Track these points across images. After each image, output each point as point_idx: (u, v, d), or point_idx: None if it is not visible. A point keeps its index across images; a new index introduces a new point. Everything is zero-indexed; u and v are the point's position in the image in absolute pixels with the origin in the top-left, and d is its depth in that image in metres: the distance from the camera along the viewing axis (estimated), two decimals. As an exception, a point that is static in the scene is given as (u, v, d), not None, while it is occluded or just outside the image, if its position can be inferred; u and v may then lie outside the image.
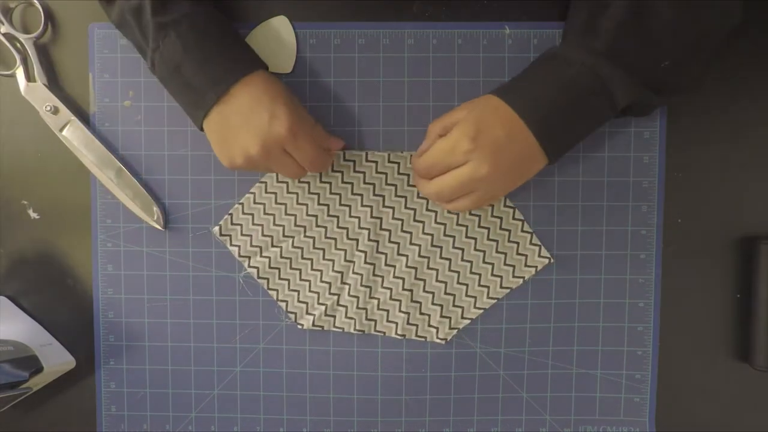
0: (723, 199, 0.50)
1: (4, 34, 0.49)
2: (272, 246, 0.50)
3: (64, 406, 0.52)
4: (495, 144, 0.41)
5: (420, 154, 0.45)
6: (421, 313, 0.50)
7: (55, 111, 0.49)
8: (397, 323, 0.50)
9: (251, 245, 0.50)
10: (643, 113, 0.47)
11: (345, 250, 0.50)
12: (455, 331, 0.50)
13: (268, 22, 0.49)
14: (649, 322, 0.50)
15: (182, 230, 0.51)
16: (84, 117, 0.50)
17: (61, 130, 0.50)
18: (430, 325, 0.50)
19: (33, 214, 0.51)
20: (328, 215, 0.50)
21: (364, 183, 0.50)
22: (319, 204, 0.50)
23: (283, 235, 0.50)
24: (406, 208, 0.50)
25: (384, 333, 0.50)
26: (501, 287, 0.50)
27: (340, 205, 0.50)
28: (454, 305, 0.50)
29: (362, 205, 0.50)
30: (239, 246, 0.50)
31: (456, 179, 0.43)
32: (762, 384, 0.50)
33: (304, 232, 0.50)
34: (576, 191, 0.50)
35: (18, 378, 0.45)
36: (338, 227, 0.50)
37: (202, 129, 0.45)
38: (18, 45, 0.49)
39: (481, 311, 0.50)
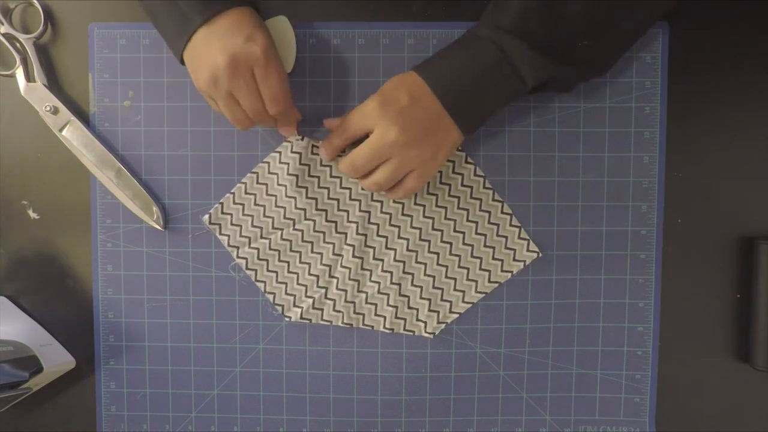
0: (723, 199, 0.50)
1: (4, 34, 0.49)
2: (261, 237, 0.50)
3: (64, 406, 0.52)
4: (400, 107, 0.43)
5: (333, 121, 0.48)
6: (409, 307, 0.50)
7: (55, 111, 0.49)
8: (385, 317, 0.50)
9: (240, 235, 0.50)
10: (563, 89, 0.47)
11: (333, 244, 0.50)
12: (443, 326, 0.50)
13: (268, 22, 0.49)
14: (649, 322, 0.50)
15: (182, 230, 0.51)
16: (84, 117, 0.50)
17: (61, 130, 0.50)
18: (418, 320, 0.50)
19: (33, 214, 0.51)
20: (317, 208, 0.50)
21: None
22: (308, 197, 0.50)
23: (273, 227, 0.50)
24: (394, 202, 0.50)
25: (372, 327, 0.50)
26: (489, 281, 0.50)
27: (329, 198, 0.50)
28: (442, 299, 0.50)
29: (351, 199, 0.50)
30: (228, 236, 0.50)
31: (367, 145, 0.44)
32: (762, 384, 0.50)
33: (293, 224, 0.50)
34: (576, 191, 0.50)
35: (18, 378, 0.45)
36: (327, 220, 0.50)
37: (182, 61, 0.44)
38: (18, 45, 0.49)
39: (469, 305, 0.50)
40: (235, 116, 0.44)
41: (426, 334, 0.50)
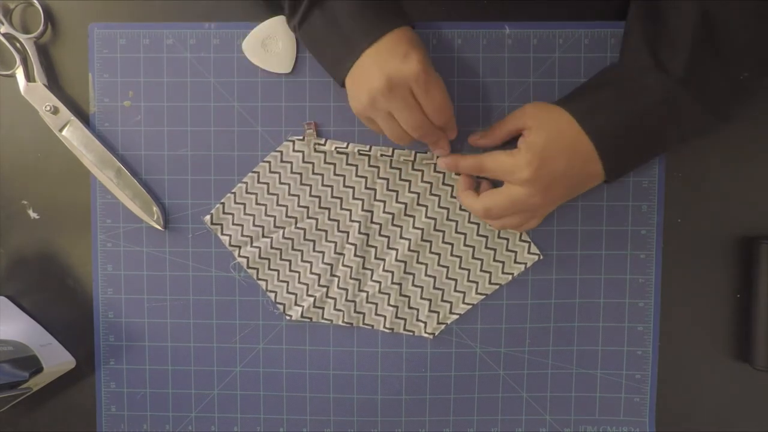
0: (723, 200, 0.50)
1: (4, 34, 0.49)
2: (263, 236, 0.50)
3: (64, 406, 0.52)
4: (555, 176, 0.42)
5: (479, 139, 0.47)
6: (409, 307, 0.50)
7: (55, 111, 0.49)
8: (385, 317, 0.50)
9: (242, 235, 0.50)
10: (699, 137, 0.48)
11: (335, 243, 0.50)
12: (443, 326, 0.50)
13: (268, 22, 0.49)
14: (649, 322, 0.50)
15: (182, 230, 0.51)
16: (84, 117, 0.50)
17: (61, 130, 0.50)
18: (418, 320, 0.50)
19: (33, 214, 0.51)
20: (320, 207, 0.50)
21: (357, 176, 0.50)
22: (310, 195, 0.50)
23: (274, 226, 0.50)
24: (397, 202, 0.50)
25: (372, 326, 0.50)
26: (490, 283, 0.50)
27: (332, 197, 0.50)
28: (442, 300, 0.50)
29: (353, 198, 0.50)
30: (230, 235, 0.50)
31: (509, 200, 0.44)
32: (762, 384, 0.50)
33: (295, 223, 0.50)
34: (576, 191, 0.50)
35: (18, 378, 0.45)
36: (329, 219, 0.50)
37: (343, 84, 0.45)
38: (18, 45, 0.49)
39: (470, 307, 0.50)
40: (395, 133, 0.44)
41: (426, 335, 0.50)
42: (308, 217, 0.50)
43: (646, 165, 0.49)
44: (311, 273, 0.50)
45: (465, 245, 0.50)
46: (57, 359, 0.50)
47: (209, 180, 0.50)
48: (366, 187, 0.50)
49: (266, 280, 0.51)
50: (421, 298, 0.50)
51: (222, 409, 0.52)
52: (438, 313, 0.50)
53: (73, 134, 0.50)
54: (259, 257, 0.50)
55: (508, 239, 0.50)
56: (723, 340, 0.50)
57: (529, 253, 0.50)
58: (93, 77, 0.50)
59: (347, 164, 0.50)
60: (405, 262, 0.50)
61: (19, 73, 0.49)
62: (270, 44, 0.49)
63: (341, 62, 0.43)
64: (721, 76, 0.41)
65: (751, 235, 0.49)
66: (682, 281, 0.50)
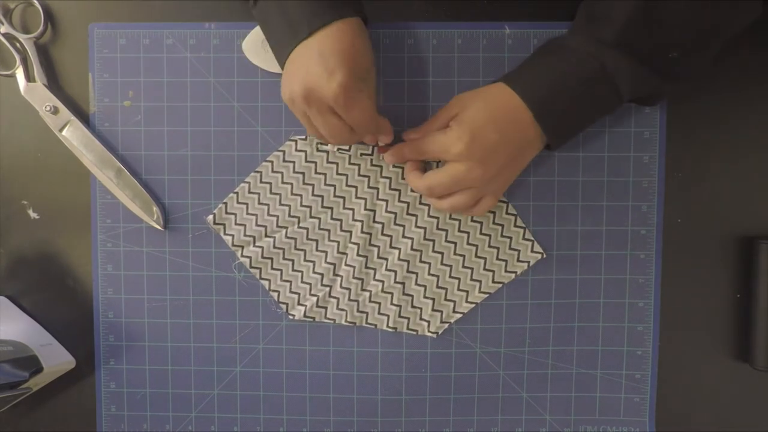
0: (723, 199, 0.50)
1: (4, 34, 0.49)
2: (266, 236, 0.50)
3: (64, 406, 0.52)
4: (489, 146, 0.42)
5: (412, 134, 0.47)
6: (412, 306, 0.50)
7: (55, 111, 0.49)
8: (388, 316, 0.50)
9: (245, 235, 0.50)
10: (648, 103, 0.47)
11: (338, 242, 0.50)
12: (446, 325, 0.50)
13: (268, 22, 0.49)
14: (649, 322, 0.50)
15: (182, 230, 0.51)
16: (84, 117, 0.50)
17: (61, 130, 0.50)
18: (421, 319, 0.50)
19: (33, 214, 0.51)
20: (323, 206, 0.50)
21: (359, 175, 0.50)
22: (313, 195, 0.50)
23: (277, 225, 0.50)
24: (399, 201, 0.50)
25: (375, 325, 0.50)
26: (493, 282, 0.50)
27: (335, 196, 0.50)
28: (445, 299, 0.50)
29: (356, 197, 0.50)
30: (233, 235, 0.50)
31: (448, 175, 0.43)
32: (762, 384, 0.50)
33: (298, 222, 0.50)
34: (576, 191, 0.50)
35: (18, 378, 0.45)
36: (332, 218, 0.50)
37: (283, 62, 0.44)
38: (18, 45, 0.49)
39: (473, 305, 0.50)
40: (312, 131, 0.45)
41: (429, 334, 0.50)
42: (311, 217, 0.50)
43: (646, 163, 0.49)
44: (314, 272, 0.50)
45: (468, 244, 0.50)
46: (57, 359, 0.50)
47: (209, 180, 0.50)
48: (369, 186, 0.50)
49: (269, 280, 0.51)
50: (424, 297, 0.50)
51: (222, 409, 0.52)
52: (441, 312, 0.50)
53: (73, 134, 0.50)
54: (262, 257, 0.50)
55: (511, 237, 0.50)
56: (723, 340, 0.50)
57: (532, 251, 0.50)
58: (93, 77, 0.50)
59: (349, 164, 0.50)
60: (408, 261, 0.50)
61: (19, 73, 0.49)
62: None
63: (283, 48, 0.43)
64: (652, 48, 0.41)
65: (751, 235, 0.49)
66: (682, 281, 0.50)
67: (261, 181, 0.50)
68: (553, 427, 0.51)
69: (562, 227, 0.50)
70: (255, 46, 0.49)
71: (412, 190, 0.50)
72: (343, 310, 0.50)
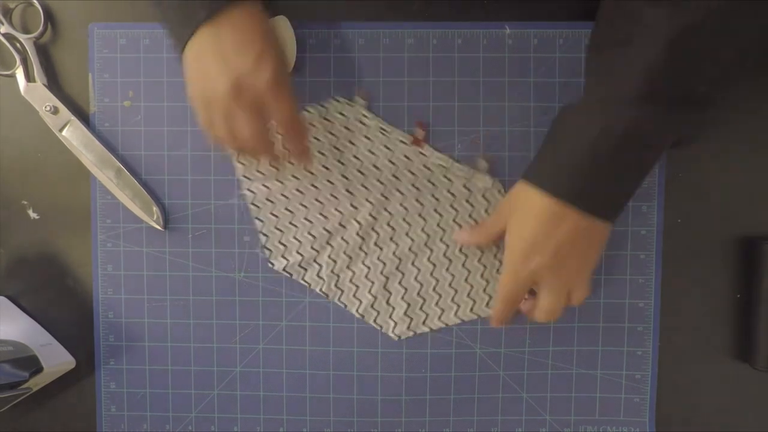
0: (723, 199, 0.50)
1: (4, 34, 0.49)
2: (276, 180, 0.50)
3: (64, 406, 0.52)
4: (546, 258, 0.41)
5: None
6: (387, 303, 0.50)
7: (55, 111, 0.49)
8: (361, 302, 0.50)
9: (257, 169, 0.50)
10: (690, 141, 0.43)
11: (342, 214, 0.50)
12: (412, 334, 0.50)
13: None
14: (649, 322, 0.50)
15: (182, 230, 0.51)
16: (84, 117, 0.50)
17: (61, 130, 0.50)
18: (391, 317, 0.50)
19: (33, 214, 0.51)
20: (341, 175, 0.50)
21: (388, 160, 0.49)
22: (337, 160, 0.49)
23: (291, 174, 0.50)
24: (416, 200, 0.50)
25: (345, 306, 0.50)
26: (471, 311, 0.50)
27: (357, 170, 0.49)
28: (420, 309, 0.50)
29: (376, 180, 0.49)
30: (244, 164, 0.49)
31: (548, 303, 0.42)
32: (762, 384, 0.50)
33: (313, 179, 0.50)
34: (576, 191, 0.50)
35: (18, 378, 0.45)
36: (346, 190, 0.50)
37: (181, 54, 0.40)
38: (18, 45, 0.49)
39: (443, 326, 0.50)
40: (221, 134, 0.41)
41: (392, 335, 0.50)
42: (327, 181, 0.50)
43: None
44: (309, 233, 0.50)
45: (462, 266, 0.50)
46: (57, 359, 0.50)
47: (209, 180, 0.50)
48: (392, 175, 0.49)
49: (264, 222, 0.50)
50: (402, 298, 0.50)
51: (222, 409, 0.52)
52: (411, 319, 0.50)
53: (73, 134, 0.50)
54: (266, 199, 0.50)
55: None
56: (723, 340, 0.50)
57: None
58: (93, 77, 0.50)
59: (384, 146, 0.49)
60: (400, 260, 0.50)
61: (19, 73, 0.49)
62: (270, 44, 0.49)
63: (179, 33, 0.39)
64: (677, 88, 0.37)
65: (752, 236, 0.49)
66: (682, 281, 0.50)
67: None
68: (553, 427, 0.51)
69: (562, 227, 0.50)
70: (255, 46, 0.49)
71: (432, 195, 0.49)
72: (321, 278, 0.50)
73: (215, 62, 0.38)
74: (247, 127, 0.40)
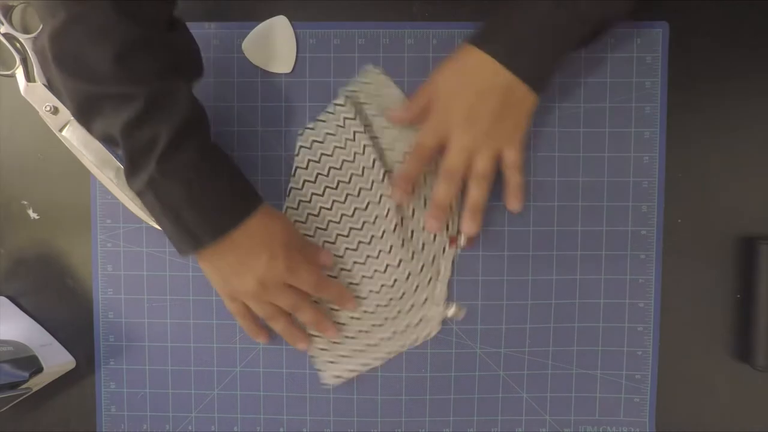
0: (723, 199, 0.50)
1: (4, 34, 0.49)
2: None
3: (64, 406, 0.52)
4: (467, 108, 0.43)
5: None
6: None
7: (55, 111, 0.49)
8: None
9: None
10: (608, 26, 0.45)
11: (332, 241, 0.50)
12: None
13: (268, 22, 0.49)
14: (649, 322, 0.50)
15: (182, 230, 0.51)
16: (84, 117, 0.50)
17: (61, 130, 0.50)
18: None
19: (33, 214, 0.51)
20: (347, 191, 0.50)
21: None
22: (344, 162, 0.49)
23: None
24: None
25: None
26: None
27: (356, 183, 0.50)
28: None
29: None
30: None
31: (451, 154, 0.44)
32: (762, 384, 0.50)
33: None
34: (576, 191, 0.50)
35: (18, 378, 0.45)
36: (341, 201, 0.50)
37: (182, 256, 0.43)
38: (18, 45, 0.49)
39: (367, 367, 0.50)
40: (269, 314, 0.46)
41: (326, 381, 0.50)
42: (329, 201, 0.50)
43: (646, 163, 0.49)
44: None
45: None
46: (57, 359, 0.50)
47: (209, 180, 0.50)
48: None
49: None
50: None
51: (222, 409, 0.52)
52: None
53: (73, 134, 0.50)
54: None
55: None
56: (723, 340, 0.50)
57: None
58: (93, 77, 0.50)
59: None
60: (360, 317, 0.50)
61: (19, 73, 0.49)
62: (270, 44, 0.49)
63: (182, 245, 0.41)
64: None
65: (751, 236, 0.49)
66: (682, 281, 0.50)
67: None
68: (553, 427, 0.51)
69: (562, 227, 0.50)
70: (255, 46, 0.49)
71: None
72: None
73: (234, 269, 0.43)
74: (283, 302, 0.45)
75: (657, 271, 0.50)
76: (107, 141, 0.41)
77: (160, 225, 0.42)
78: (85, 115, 0.39)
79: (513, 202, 0.47)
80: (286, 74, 0.50)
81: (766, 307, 0.48)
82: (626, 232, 0.50)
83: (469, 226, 0.46)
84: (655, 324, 0.50)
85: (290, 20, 0.49)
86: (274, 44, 0.49)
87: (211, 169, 0.41)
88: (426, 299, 0.50)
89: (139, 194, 0.40)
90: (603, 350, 0.51)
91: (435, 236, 0.50)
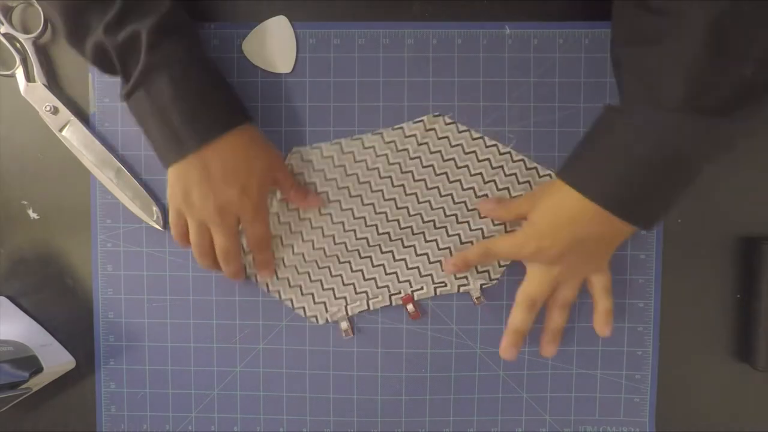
0: (723, 199, 0.50)
1: (4, 34, 0.49)
2: (284, 266, 0.50)
3: (64, 406, 0.52)
4: (564, 246, 0.42)
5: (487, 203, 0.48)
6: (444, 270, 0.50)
7: (55, 111, 0.49)
8: (423, 287, 0.50)
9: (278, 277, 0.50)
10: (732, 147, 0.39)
11: (345, 243, 0.50)
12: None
13: (268, 22, 0.49)
14: (649, 322, 0.50)
15: (182, 230, 0.51)
16: (84, 117, 0.50)
17: (61, 130, 0.50)
18: (457, 278, 0.50)
19: (33, 214, 0.51)
20: (333, 222, 0.50)
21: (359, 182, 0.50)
22: (321, 214, 0.50)
23: (282, 245, 0.50)
24: (393, 186, 0.49)
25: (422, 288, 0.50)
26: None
27: (342, 210, 0.50)
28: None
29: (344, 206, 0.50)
30: (279, 290, 0.50)
31: (534, 279, 0.44)
32: (762, 384, 0.50)
33: (302, 236, 0.50)
34: (576, 191, 0.50)
35: (18, 378, 0.45)
36: (333, 222, 0.50)
37: (166, 167, 0.44)
38: (18, 45, 0.49)
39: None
40: (201, 247, 0.45)
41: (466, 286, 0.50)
42: (313, 227, 0.50)
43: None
44: (332, 275, 0.50)
45: (477, 197, 0.49)
46: (57, 359, 0.50)
47: (209, 180, 0.50)
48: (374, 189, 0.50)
49: (291, 299, 0.50)
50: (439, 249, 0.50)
51: (222, 409, 0.52)
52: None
53: (73, 134, 0.50)
54: (277, 278, 0.50)
55: (515, 173, 0.49)
56: (723, 340, 0.50)
57: (540, 176, 0.49)
58: (93, 77, 0.50)
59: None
60: (423, 233, 0.50)
61: (19, 73, 0.49)
62: (270, 44, 0.49)
63: (166, 153, 0.42)
64: (724, 79, 0.35)
65: (751, 236, 0.49)
66: (682, 281, 0.50)
67: (279, 222, 0.50)
68: (553, 427, 0.51)
69: (562, 227, 0.50)
70: (255, 46, 0.49)
71: (415, 179, 0.49)
72: (377, 297, 0.50)
73: (201, 188, 0.42)
74: (222, 240, 0.44)
75: (657, 271, 0.50)
76: (101, 57, 0.41)
77: (148, 134, 0.43)
78: (74, 32, 0.41)
79: (603, 328, 0.46)
80: (286, 74, 0.50)
81: (766, 307, 0.48)
82: (626, 232, 0.50)
83: (548, 350, 0.47)
84: (655, 324, 0.50)
85: (290, 20, 0.49)
86: (274, 44, 0.49)
87: (200, 72, 0.42)
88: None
89: (131, 98, 0.41)
90: (603, 350, 0.51)
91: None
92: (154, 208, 0.50)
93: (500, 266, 0.50)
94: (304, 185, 0.49)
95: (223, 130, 0.41)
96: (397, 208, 0.50)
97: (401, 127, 0.49)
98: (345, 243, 0.50)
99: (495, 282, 0.50)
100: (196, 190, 0.42)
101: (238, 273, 0.48)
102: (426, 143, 0.49)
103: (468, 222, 0.50)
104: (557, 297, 0.46)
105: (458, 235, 0.50)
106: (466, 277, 0.50)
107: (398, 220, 0.50)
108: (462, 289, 0.50)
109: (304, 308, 0.50)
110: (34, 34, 0.49)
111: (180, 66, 0.41)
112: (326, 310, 0.50)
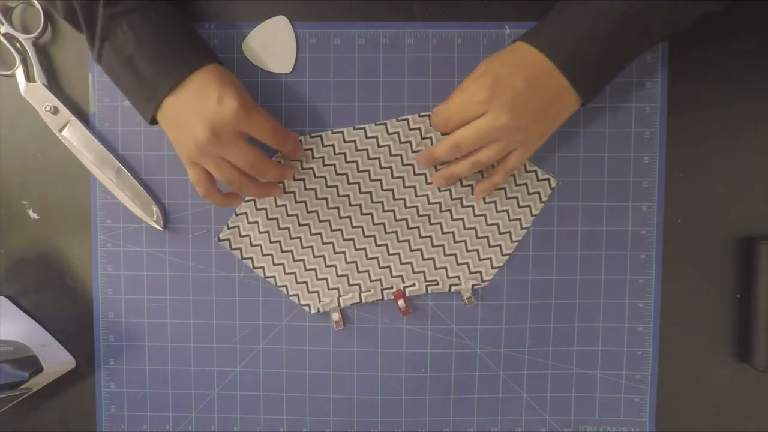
0: (723, 199, 0.50)
1: (4, 34, 0.49)
2: (270, 242, 0.50)
3: (64, 406, 0.52)
4: (514, 93, 0.41)
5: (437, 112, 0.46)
6: (436, 268, 0.50)
7: (55, 111, 0.49)
8: (414, 283, 0.50)
9: (252, 245, 0.50)
10: (670, 36, 0.44)
11: (341, 229, 0.50)
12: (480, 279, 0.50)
13: (268, 22, 0.49)
14: (649, 322, 0.50)
15: (182, 230, 0.51)
16: (84, 117, 0.50)
17: (61, 130, 0.50)
18: (449, 277, 0.50)
19: (33, 214, 0.51)
20: (318, 198, 0.50)
21: (347, 162, 0.50)
22: (306, 188, 0.50)
23: (279, 228, 0.50)
24: (393, 177, 0.50)
25: (414, 284, 0.50)
26: (510, 220, 0.50)
27: (327, 186, 0.50)
28: (467, 250, 0.50)
29: (348, 183, 0.50)
30: (240, 248, 0.50)
31: (474, 128, 0.42)
32: (762, 384, 0.50)
33: (298, 220, 0.50)
34: (576, 191, 0.50)
35: (18, 378, 0.45)
36: (329, 208, 0.50)
37: (152, 123, 0.44)
38: (18, 45, 0.49)
39: (507, 256, 0.50)
40: (229, 177, 0.44)
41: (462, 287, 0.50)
42: (309, 211, 0.50)
43: (646, 163, 0.49)
44: (327, 266, 0.50)
45: (485, 203, 0.50)
46: (57, 359, 0.50)
47: (209, 180, 0.50)
48: (359, 170, 0.50)
49: (287, 285, 0.50)
50: (445, 255, 0.50)
51: (222, 409, 0.52)
52: (468, 263, 0.50)
53: (73, 134, 0.50)
54: (273, 264, 0.50)
55: (526, 183, 0.49)
56: (723, 340, 0.50)
57: (539, 180, 0.49)
58: (93, 77, 0.50)
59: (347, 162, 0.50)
60: (417, 228, 0.50)
61: (19, 73, 0.49)
62: (270, 44, 0.49)
63: (145, 103, 0.43)
64: None
65: (751, 236, 0.49)
66: (682, 281, 0.50)
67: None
68: (553, 427, 0.51)
69: (562, 227, 0.50)
70: (255, 46, 0.49)
71: (403, 164, 0.49)
72: (369, 290, 0.50)
73: (187, 119, 0.42)
74: (238, 157, 0.43)
75: (657, 271, 0.50)
76: (71, 12, 0.42)
77: (124, 91, 0.44)
78: None
79: (478, 193, 0.48)
80: (286, 74, 0.50)
81: (766, 307, 0.48)
82: (626, 232, 0.50)
83: (437, 182, 0.48)
84: (655, 324, 0.50)
85: (290, 20, 0.49)
86: (274, 44, 0.49)
87: (160, 16, 0.42)
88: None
89: (102, 59, 0.42)
90: (603, 350, 0.51)
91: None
92: (154, 208, 0.50)
93: (492, 268, 0.50)
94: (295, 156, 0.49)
95: (191, 68, 0.41)
96: (395, 199, 0.50)
97: (406, 119, 0.49)
98: (341, 230, 0.50)
99: (486, 283, 0.50)
100: (186, 124, 0.42)
101: (284, 173, 0.46)
102: (429, 138, 0.49)
103: (462, 219, 0.50)
104: (477, 153, 0.44)
105: (452, 233, 0.50)
106: (458, 277, 0.50)
107: (394, 211, 0.50)
108: (453, 288, 0.50)
109: (298, 296, 0.50)
110: (34, 34, 0.49)
111: (139, 13, 0.41)
112: (319, 300, 0.50)
